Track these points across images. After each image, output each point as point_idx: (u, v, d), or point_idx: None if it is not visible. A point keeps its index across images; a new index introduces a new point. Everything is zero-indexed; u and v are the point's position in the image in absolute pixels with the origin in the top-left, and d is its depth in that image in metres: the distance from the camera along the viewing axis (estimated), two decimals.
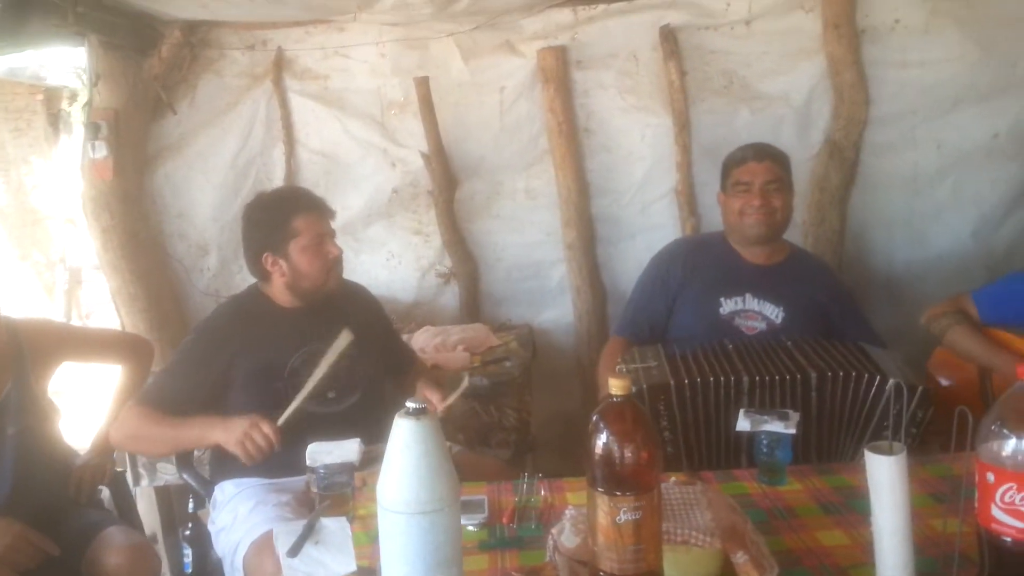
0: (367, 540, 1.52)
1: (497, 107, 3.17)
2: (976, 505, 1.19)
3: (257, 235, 2.24)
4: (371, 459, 1.86)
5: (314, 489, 1.83)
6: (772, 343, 2.19)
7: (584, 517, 1.41)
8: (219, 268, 3.40)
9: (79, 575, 2.08)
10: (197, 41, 3.15)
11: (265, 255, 2.22)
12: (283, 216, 2.21)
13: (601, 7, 3.08)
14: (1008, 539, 1.14)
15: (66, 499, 2.25)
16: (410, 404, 1.24)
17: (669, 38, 3.02)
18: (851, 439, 2.02)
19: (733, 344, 2.19)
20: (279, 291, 2.26)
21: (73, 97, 6.77)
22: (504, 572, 1.42)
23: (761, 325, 2.37)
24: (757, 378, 2.00)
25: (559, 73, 3.08)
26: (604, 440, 1.17)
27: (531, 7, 3.02)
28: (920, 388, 1.94)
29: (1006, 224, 3.09)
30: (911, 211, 3.14)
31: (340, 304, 2.31)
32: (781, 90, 3.08)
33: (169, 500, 3.04)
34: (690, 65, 3.06)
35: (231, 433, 2.04)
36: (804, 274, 2.47)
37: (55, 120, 6.78)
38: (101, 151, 2.99)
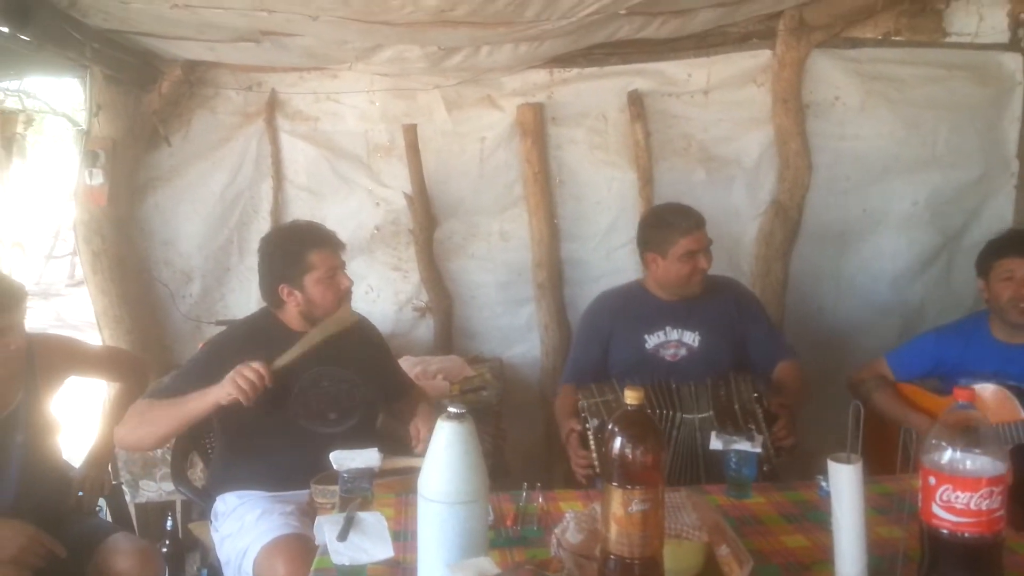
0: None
1: (477, 155, 3.42)
2: (919, 506, 1.44)
3: (274, 267, 2.38)
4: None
5: (318, 499, 1.99)
6: (688, 385, 2.45)
7: (586, 518, 1.63)
8: (201, 295, 3.53)
9: None
10: (195, 79, 3.32)
11: (281, 286, 2.36)
12: (299, 250, 2.36)
13: (575, 70, 3.38)
14: (945, 531, 1.38)
15: (65, 508, 2.33)
16: (451, 409, 1.44)
17: (636, 102, 3.33)
18: None
19: (675, 384, 2.46)
20: (292, 317, 2.41)
21: (29, 122, 6.75)
22: (516, 565, 1.61)
23: (682, 351, 2.65)
24: (686, 416, 2.36)
25: (536, 127, 3.35)
26: (620, 442, 1.39)
27: (512, 67, 3.30)
28: (736, 407, 2.34)
29: (919, 279, 3.46)
30: (839, 266, 3.49)
31: (346, 332, 2.45)
32: (734, 154, 3.40)
33: (147, 518, 3.11)
34: (654, 127, 3.37)
35: (223, 384, 2.14)
36: (713, 296, 2.71)
37: (9, 144, 6.73)
38: (98, 178, 3.11)
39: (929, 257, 3.43)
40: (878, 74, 3.28)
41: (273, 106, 3.41)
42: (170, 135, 3.36)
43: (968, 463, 1.36)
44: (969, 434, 1.38)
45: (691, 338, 2.65)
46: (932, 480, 1.39)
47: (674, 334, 2.66)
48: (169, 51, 3.10)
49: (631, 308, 2.73)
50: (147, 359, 2.74)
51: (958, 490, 1.36)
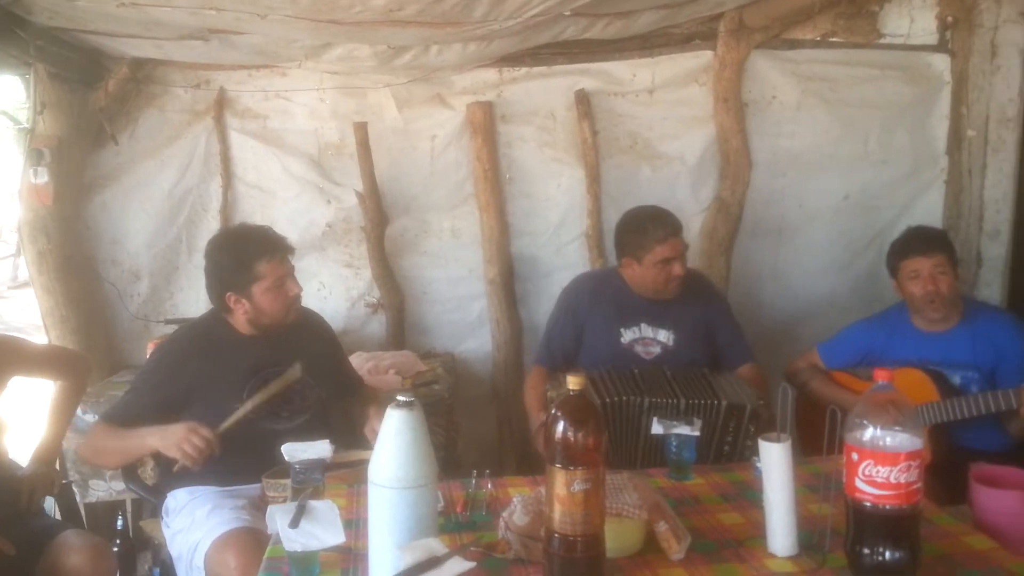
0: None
1: (428, 153, 3.47)
2: (844, 482, 1.53)
3: (221, 276, 2.37)
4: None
5: (270, 492, 2.02)
6: (659, 372, 2.56)
7: (532, 501, 1.69)
8: (150, 294, 3.51)
9: None
10: (142, 77, 3.31)
11: (228, 295, 2.35)
12: (247, 260, 2.33)
13: (524, 69, 3.44)
14: (867, 503, 1.46)
15: (12, 508, 2.31)
16: (400, 397, 1.49)
17: (583, 101, 3.41)
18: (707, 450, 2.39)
19: (638, 370, 2.56)
20: (240, 323, 2.41)
21: None
22: (463, 545, 1.66)
23: (656, 349, 2.71)
24: (654, 400, 2.40)
25: (486, 126, 3.40)
26: (563, 425, 1.45)
27: (462, 66, 3.36)
28: (749, 407, 2.38)
29: (850, 269, 3.60)
30: (777, 259, 3.61)
31: (296, 332, 2.48)
32: (678, 151, 3.50)
33: (97, 517, 3.09)
34: (601, 125, 3.45)
35: (167, 438, 2.19)
36: (689, 296, 2.76)
37: None
38: (43, 177, 3.07)
39: (860, 249, 3.57)
40: (813, 74, 3.41)
41: (222, 104, 3.41)
42: (117, 133, 3.34)
43: (888, 439, 1.45)
44: (888, 412, 1.46)
45: (666, 336, 2.70)
46: (855, 456, 1.47)
47: (649, 331, 2.71)
48: (116, 49, 3.09)
49: (609, 297, 2.76)
50: (88, 356, 2.71)
51: (879, 465, 1.44)
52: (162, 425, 2.24)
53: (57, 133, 3.12)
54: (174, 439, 2.18)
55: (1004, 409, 2.45)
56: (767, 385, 2.70)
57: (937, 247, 2.62)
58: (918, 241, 2.66)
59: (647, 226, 2.64)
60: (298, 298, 2.43)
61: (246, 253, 2.35)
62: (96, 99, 3.21)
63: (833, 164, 3.49)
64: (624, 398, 2.40)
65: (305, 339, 2.51)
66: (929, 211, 3.50)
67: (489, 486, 1.96)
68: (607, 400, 2.39)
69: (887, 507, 1.44)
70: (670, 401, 2.39)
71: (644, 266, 2.65)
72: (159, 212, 3.45)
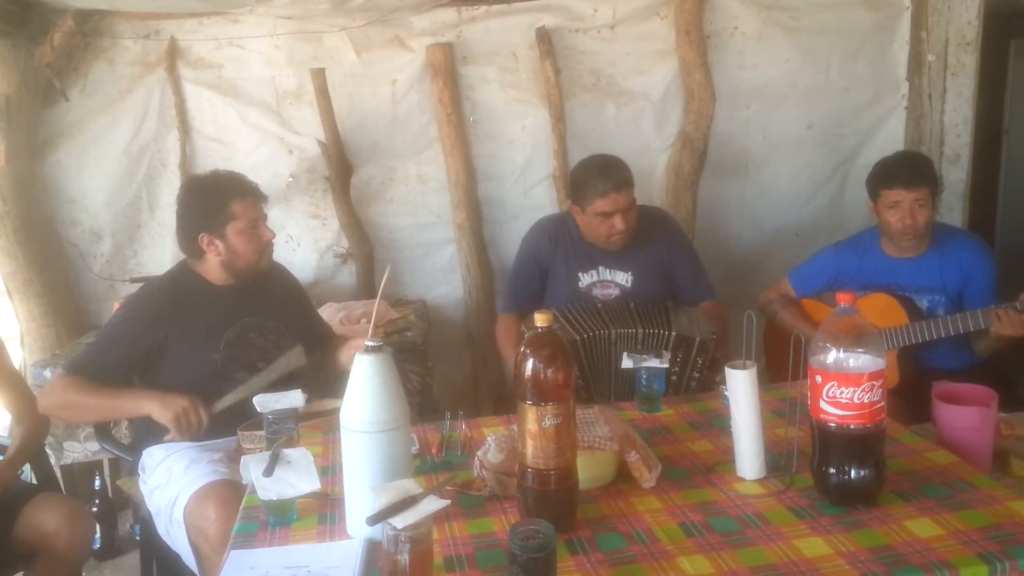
0: None
1: (389, 98, 3.40)
2: (808, 404, 1.57)
3: (194, 216, 2.34)
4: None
5: (246, 445, 2.02)
6: (623, 306, 2.56)
7: (506, 439, 1.71)
8: (113, 253, 3.45)
9: (8, 545, 2.16)
10: (89, 30, 3.20)
11: (201, 235, 2.32)
12: (221, 199, 2.31)
13: (483, 8, 3.37)
14: (832, 424, 1.50)
15: None
16: (368, 343, 1.49)
17: (544, 39, 3.35)
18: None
19: (602, 305, 2.59)
20: (212, 269, 2.38)
21: None
22: (438, 484, 1.68)
23: (615, 291, 2.71)
24: (622, 331, 2.41)
25: (447, 68, 3.33)
26: (532, 363, 1.46)
27: (419, 6, 3.27)
28: (697, 339, 2.37)
29: (813, 200, 3.63)
30: (742, 191, 3.63)
31: (267, 282, 2.46)
32: (641, 87, 3.47)
33: (73, 479, 3.09)
34: (563, 63, 3.40)
35: (168, 409, 2.18)
36: (647, 237, 2.71)
37: None
38: None
39: (824, 178, 3.60)
40: (774, 3, 3.38)
41: (173, 54, 3.31)
42: (67, 89, 3.24)
43: (851, 361, 1.47)
44: (851, 334, 1.49)
45: (624, 278, 2.70)
46: (819, 379, 1.50)
47: (607, 274, 2.71)
48: (58, 0, 2.97)
49: (568, 240, 2.76)
50: (46, 418, 2.47)
51: (842, 386, 1.47)
52: (159, 392, 2.23)
53: (4, 91, 3.03)
54: (172, 411, 2.18)
55: (973, 330, 2.51)
56: (726, 321, 2.70)
57: (921, 181, 2.59)
58: (904, 173, 2.62)
59: (590, 178, 2.58)
60: (271, 244, 2.42)
61: (220, 194, 2.34)
62: (42, 54, 3.10)
63: (795, 94, 3.49)
64: (595, 333, 2.41)
65: (276, 290, 2.50)
66: (891, 138, 3.52)
67: (463, 427, 1.98)
68: (584, 336, 2.39)
69: (851, 427, 1.47)
70: (630, 331, 2.40)
71: (587, 216, 2.62)
72: (116, 169, 3.37)
